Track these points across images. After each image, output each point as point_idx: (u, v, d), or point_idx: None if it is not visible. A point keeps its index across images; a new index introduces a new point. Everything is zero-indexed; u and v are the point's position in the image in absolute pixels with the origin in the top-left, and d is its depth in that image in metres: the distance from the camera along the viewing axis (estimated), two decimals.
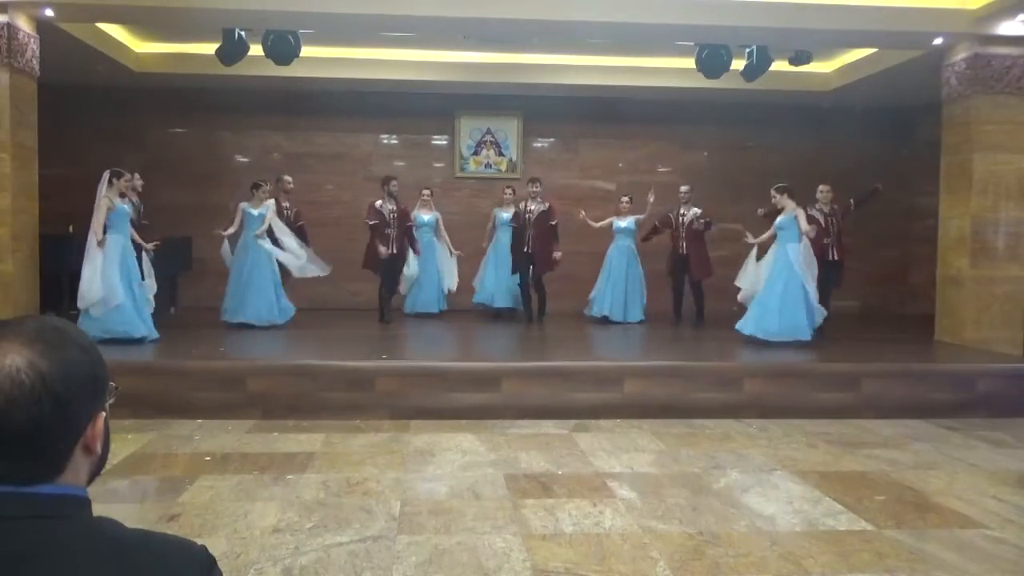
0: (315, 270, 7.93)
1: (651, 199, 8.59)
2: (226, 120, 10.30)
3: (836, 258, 7.67)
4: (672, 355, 6.98)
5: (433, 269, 9.11)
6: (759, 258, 7.29)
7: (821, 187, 7.81)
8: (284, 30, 7.51)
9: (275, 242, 7.72)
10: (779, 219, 7.04)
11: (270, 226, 7.69)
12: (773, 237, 7.14)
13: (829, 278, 7.59)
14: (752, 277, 7.24)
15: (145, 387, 5.35)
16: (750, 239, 7.44)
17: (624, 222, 8.99)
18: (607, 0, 7.00)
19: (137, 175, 7.56)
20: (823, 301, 7.35)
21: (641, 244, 9.06)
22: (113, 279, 6.33)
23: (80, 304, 6.29)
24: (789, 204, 7.03)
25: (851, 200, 7.81)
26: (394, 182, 8.41)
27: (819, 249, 7.47)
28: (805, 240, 6.93)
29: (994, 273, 7.34)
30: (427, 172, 10.40)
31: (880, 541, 3.36)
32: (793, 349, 6.68)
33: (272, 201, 7.83)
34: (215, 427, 5.22)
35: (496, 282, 9.05)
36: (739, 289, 7.44)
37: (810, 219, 7.83)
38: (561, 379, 5.76)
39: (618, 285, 8.91)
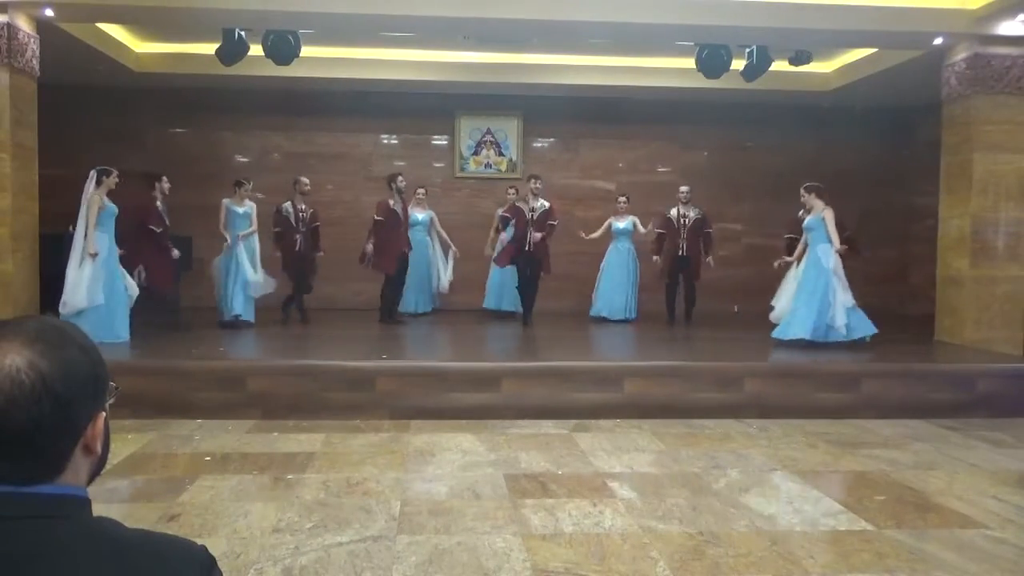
0: (264, 289, 8.03)
1: (650, 228, 8.77)
2: (226, 120, 10.30)
3: None
4: (672, 355, 6.98)
5: (425, 268, 9.11)
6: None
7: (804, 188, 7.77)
8: (284, 30, 7.51)
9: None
10: (807, 220, 6.98)
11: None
12: (807, 246, 7.04)
13: None
14: (785, 299, 7.14)
15: (145, 387, 5.35)
16: (787, 259, 7.41)
17: (622, 223, 9.03)
18: (607, 0, 7.01)
19: (165, 179, 7.61)
20: None
21: (642, 246, 9.09)
22: (98, 281, 6.41)
23: (63, 310, 6.27)
24: (818, 204, 6.92)
25: (849, 235, 7.62)
26: (400, 178, 8.36)
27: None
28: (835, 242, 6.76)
29: (994, 273, 7.34)
30: (427, 172, 10.41)
31: (880, 541, 3.35)
32: (799, 349, 6.65)
33: (253, 203, 8.01)
34: (215, 427, 5.22)
35: (503, 285, 9.07)
36: (770, 308, 7.37)
37: (797, 222, 7.80)
38: (561, 379, 5.75)
39: (617, 285, 8.94)
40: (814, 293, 6.74)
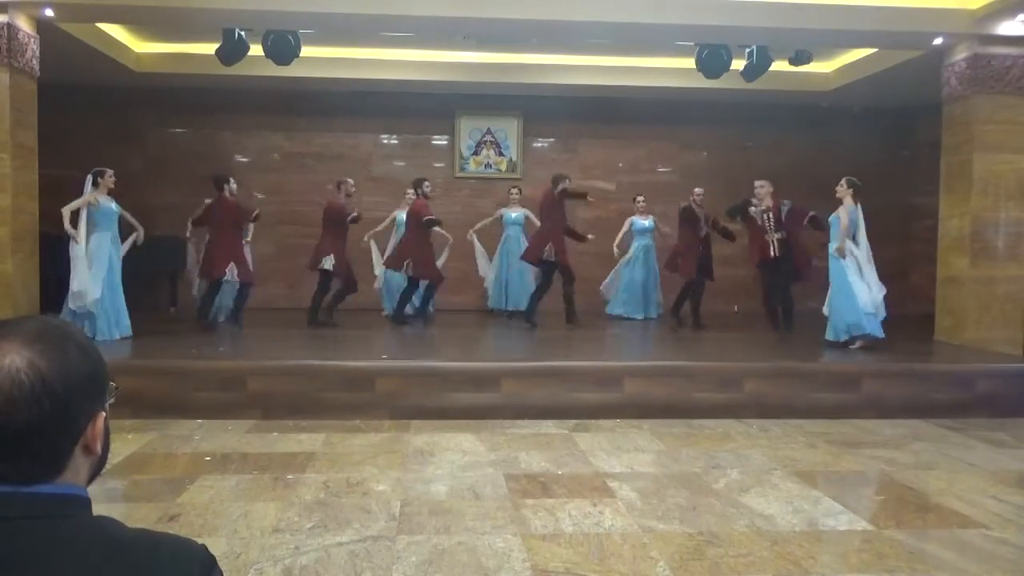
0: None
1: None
2: (226, 120, 10.30)
3: (776, 255, 7.36)
4: (672, 355, 6.98)
5: None
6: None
7: (757, 182, 7.70)
8: (284, 30, 7.51)
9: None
10: (831, 216, 6.99)
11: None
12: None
13: (775, 278, 7.51)
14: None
15: (145, 387, 5.35)
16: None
17: (647, 220, 9.15)
18: (607, 0, 7.01)
19: (232, 180, 7.84)
20: (771, 301, 7.40)
21: (660, 241, 9.23)
22: (99, 278, 6.57)
23: (74, 305, 6.45)
24: (847, 201, 6.83)
25: (810, 213, 7.44)
26: (427, 183, 8.41)
27: (760, 248, 7.49)
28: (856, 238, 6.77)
29: (994, 273, 7.33)
30: (427, 172, 10.38)
31: (880, 541, 3.35)
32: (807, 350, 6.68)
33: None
34: (215, 427, 5.22)
35: (512, 284, 9.07)
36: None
37: (743, 216, 7.70)
38: (561, 379, 5.75)
39: (641, 284, 9.02)
40: (835, 295, 6.82)
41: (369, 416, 5.48)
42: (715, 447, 4.93)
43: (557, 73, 9.53)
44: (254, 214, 7.93)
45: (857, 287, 6.65)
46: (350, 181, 8.27)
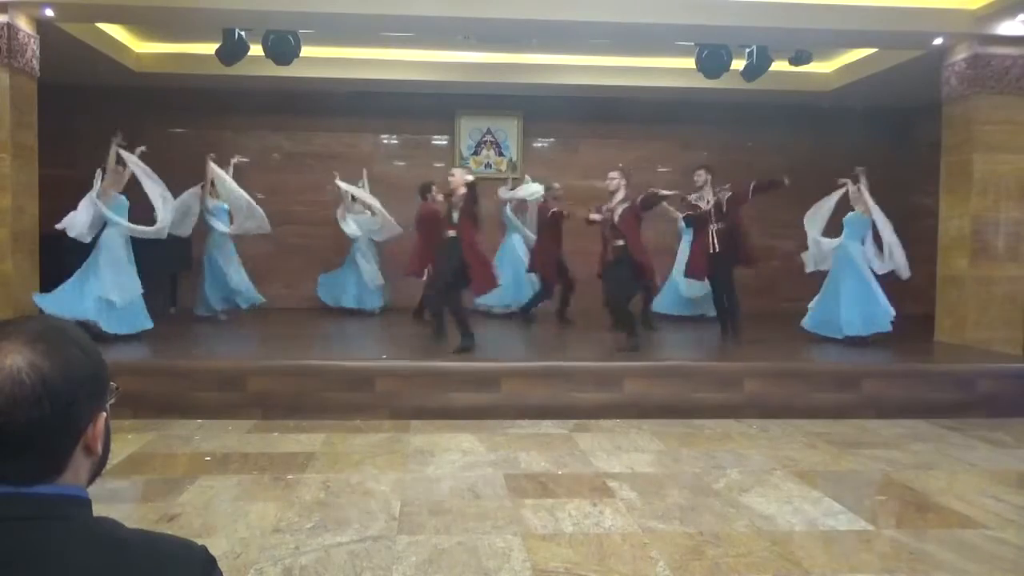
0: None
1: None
2: (226, 120, 10.30)
3: (717, 250, 7.14)
4: (672, 355, 6.98)
5: None
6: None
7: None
8: (284, 30, 7.51)
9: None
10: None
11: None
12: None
13: (716, 274, 7.27)
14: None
15: (145, 387, 5.35)
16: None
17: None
18: (607, 0, 7.01)
19: (435, 187, 8.43)
20: (720, 300, 7.41)
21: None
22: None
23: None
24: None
25: (751, 185, 7.27)
26: (556, 186, 8.80)
27: (705, 243, 7.28)
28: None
29: (994, 273, 7.34)
30: (427, 172, 10.38)
31: (880, 541, 3.36)
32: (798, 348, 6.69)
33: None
34: (215, 427, 5.22)
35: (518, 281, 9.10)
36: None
37: (691, 207, 7.70)
38: (561, 379, 5.75)
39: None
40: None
41: (369, 416, 5.49)
42: (715, 447, 4.93)
43: (557, 73, 9.52)
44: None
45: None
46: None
